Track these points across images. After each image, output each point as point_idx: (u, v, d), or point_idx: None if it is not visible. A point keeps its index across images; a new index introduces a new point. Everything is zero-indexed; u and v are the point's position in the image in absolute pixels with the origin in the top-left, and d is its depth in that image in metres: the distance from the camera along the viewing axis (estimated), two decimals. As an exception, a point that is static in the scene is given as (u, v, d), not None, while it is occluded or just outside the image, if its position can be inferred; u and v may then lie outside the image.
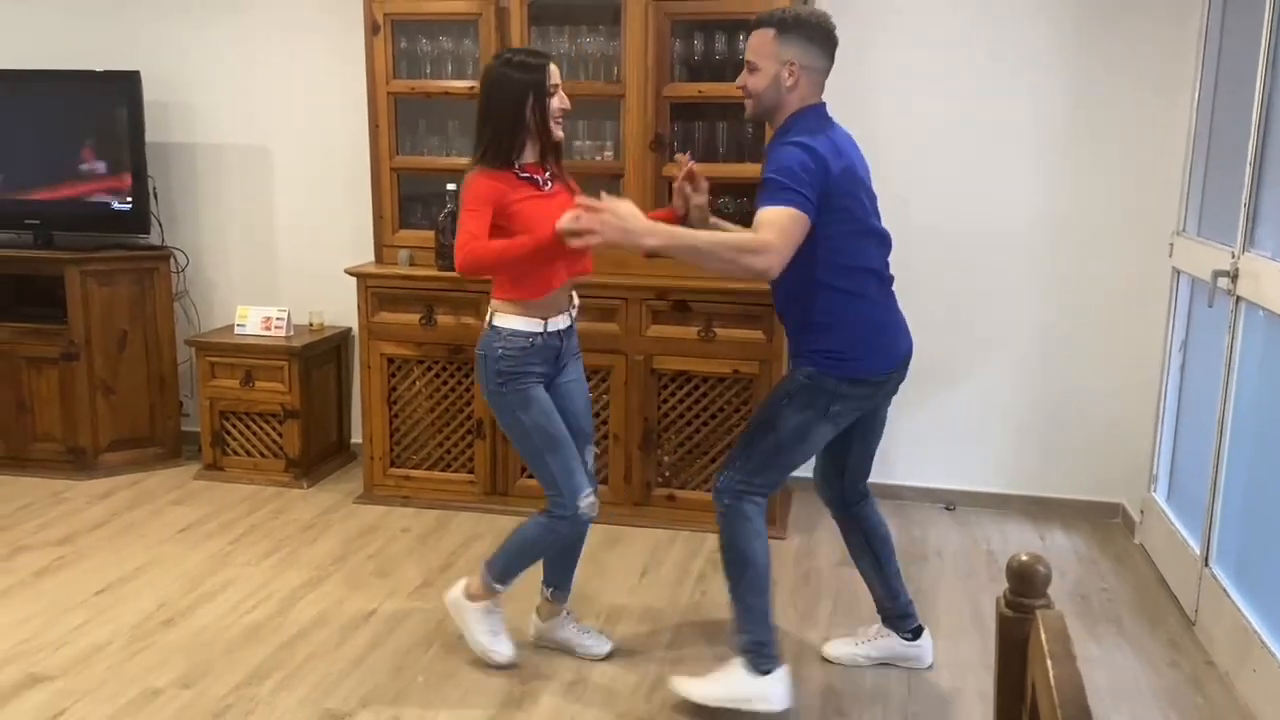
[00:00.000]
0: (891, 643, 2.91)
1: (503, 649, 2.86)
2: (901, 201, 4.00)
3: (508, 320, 2.67)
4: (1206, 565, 3.10)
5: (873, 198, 2.65)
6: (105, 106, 4.28)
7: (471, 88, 3.83)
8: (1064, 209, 3.90)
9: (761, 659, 2.60)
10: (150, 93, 4.33)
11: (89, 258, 4.25)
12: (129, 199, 4.32)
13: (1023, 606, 0.92)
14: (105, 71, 4.27)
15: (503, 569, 2.82)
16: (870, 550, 2.88)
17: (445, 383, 4.01)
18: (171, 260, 4.49)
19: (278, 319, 4.35)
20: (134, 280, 4.37)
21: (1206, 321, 3.37)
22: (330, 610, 3.20)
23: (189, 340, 4.41)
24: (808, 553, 3.70)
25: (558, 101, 2.68)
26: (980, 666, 2.94)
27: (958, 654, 3.01)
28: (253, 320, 4.37)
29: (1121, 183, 3.84)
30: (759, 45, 2.54)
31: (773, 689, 2.59)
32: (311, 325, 4.44)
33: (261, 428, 4.30)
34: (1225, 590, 2.95)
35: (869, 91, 3.95)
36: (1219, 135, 3.38)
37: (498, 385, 2.68)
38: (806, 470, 4.20)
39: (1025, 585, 0.93)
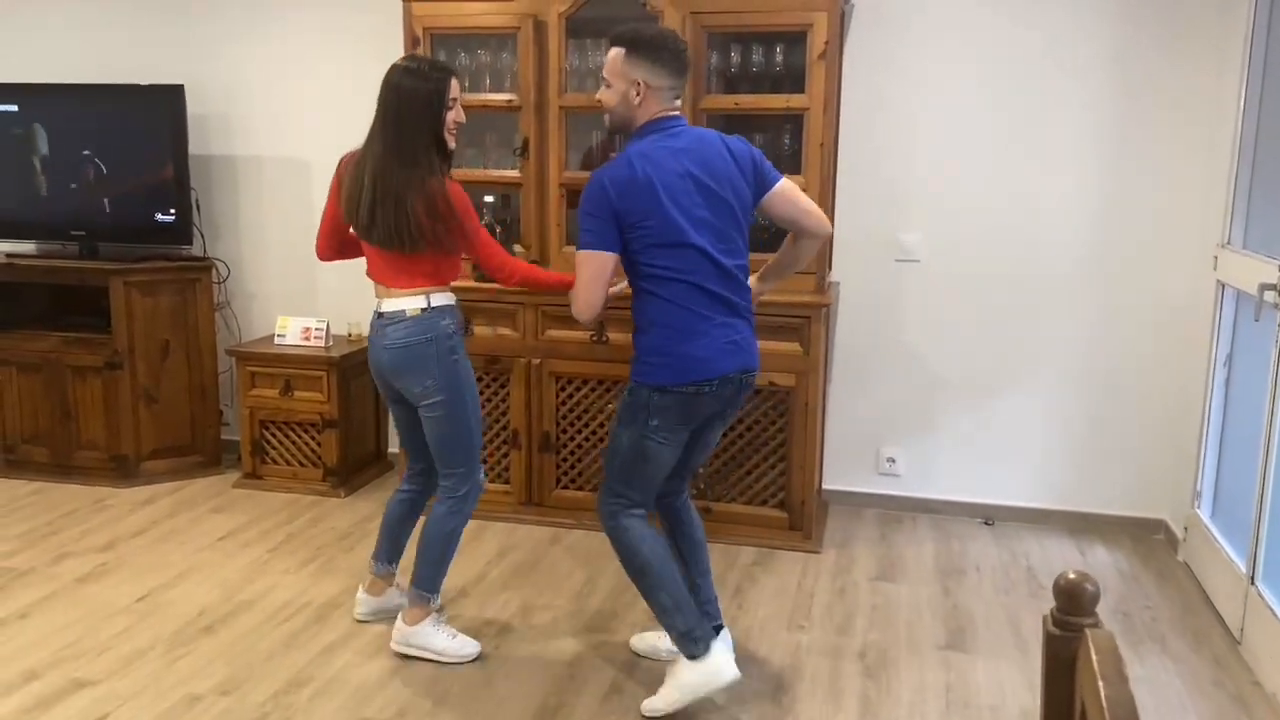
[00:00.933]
0: None
1: (470, 643, 2.99)
2: (940, 218, 3.99)
3: (443, 298, 2.89)
4: (1253, 584, 3.05)
5: (708, 206, 2.60)
6: (150, 119, 4.35)
7: (510, 101, 3.86)
8: (1107, 222, 3.86)
9: (693, 643, 2.67)
10: (193, 106, 4.40)
11: (133, 268, 4.32)
12: (172, 211, 4.39)
13: (1070, 625, 0.90)
14: (150, 85, 4.34)
15: (431, 577, 2.98)
16: (676, 545, 2.89)
17: (481, 393, 4.01)
18: (213, 271, 4.54)
19: (317, 329, 4.39)
20: (176, 291, 4.43)
21: (1252, 335, 3.31)
22: (366, 620, 3.21)
23: (230, 350, 4.47)
24: (845, 567, 3.67)
25: (454, 115, 2.85)
26: (1021, 684, 2.90)
27: (998, 671, 2.97)
28: (292, 330, 4.42)
29: (1165, 195, 3.79)
30: (611, 64, 2.66)
31: (717, 664, 2.67)
32: (350, 336, 4.48)
33: (300, 437, 4.34)
34: (1272, 609, 2.89)
35: (913, 109, 3.94)
36: (1264, 146, 3.33)
37: (453, 359, 2.88)
38: (846, 485, 4.20)
39: (1073, 603, 0.92)
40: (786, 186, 2.76)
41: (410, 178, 2.76)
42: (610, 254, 2.59)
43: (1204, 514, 3.62)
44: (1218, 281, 3.56)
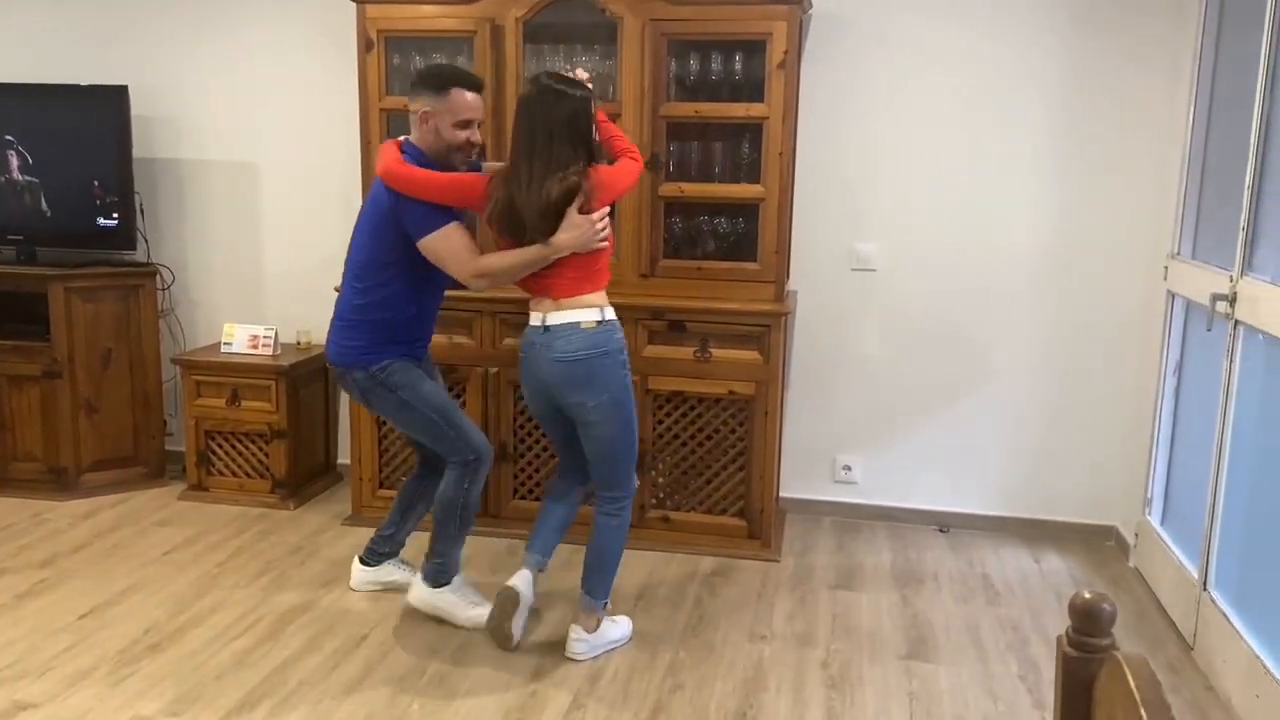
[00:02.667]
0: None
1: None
2: (896, 228, 4.01)
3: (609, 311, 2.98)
4: (1205, 589, 3.10)
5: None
6: (92, 121, 4.22)
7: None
8: (1059, 233, 3.91)
9: (443, 573, 3.19)
10: (137, 108, 4.28)
11: (73, 274, 4.18)
12: (115, 215, 4.26)
13: (1088, 646, 0.89)
14: (92, 86, 4.22)
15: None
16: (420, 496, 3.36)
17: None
18: (157, 277, 4.42)
19: (265, 337, 4.29)
20: (119, 297, 4.30)
21: (1201, 345, 3.37)
22: (322, 635, 3.13)
23: (174, 358, 4.35)
24: (804, 576, 3.67)
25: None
26: (982, 692, 2.91)
27: (960, 680, 2.98)
28: (239, 339, 4.31)
29: (1116, 206, 3.85)
30: (479, 106, 3.05)
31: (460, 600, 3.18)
32: (299, 344, 4.38)
33: (248, 448, 4.24)
34: (1225, 615, 2.94)
35: (870, 119, 3.96)
36: (1213, 159, 3.39)
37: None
38: (803, 493, 4.20)
39: (1090, 624, 0.90)
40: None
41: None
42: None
43: (1154, 520, 3.68)
44: (1168, 291, 3.62)
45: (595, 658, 3.02)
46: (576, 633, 3.02)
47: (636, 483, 3.10)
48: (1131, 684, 0.73)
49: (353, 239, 3.13)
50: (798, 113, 3.80)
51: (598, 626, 3.05)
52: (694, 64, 3.77)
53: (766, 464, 3.75)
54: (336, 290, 3.21)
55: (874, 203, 4.02)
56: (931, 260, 4.00)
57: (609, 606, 3.10)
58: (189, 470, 4.29)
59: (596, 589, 3.03)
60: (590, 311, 2.88)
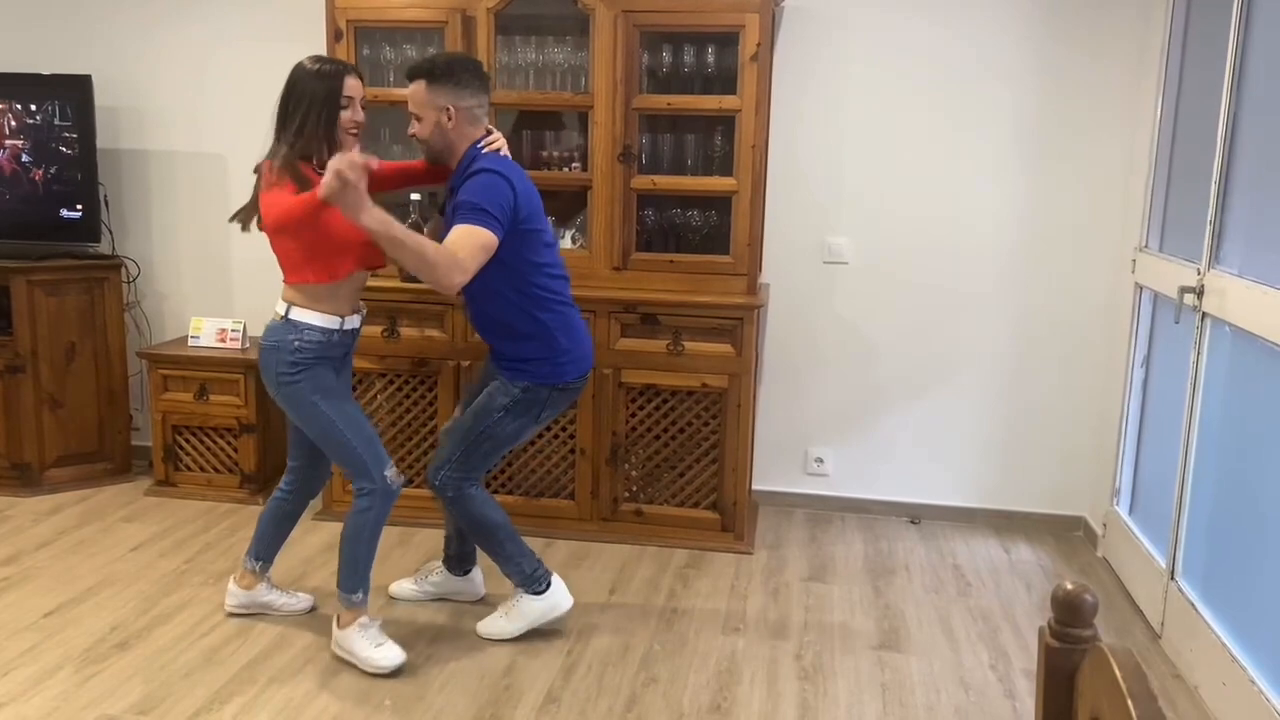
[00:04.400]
0: (447, 580, 3.30)
1: (391, 653, 2.89)
2: (866, 221, 4.03)
3: (304, 315, 2.82)
4: (1173, 579, 3.13)
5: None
6: (55, 111, 4.14)
7: (437, 97, 3.77)
8: (1028, 226, 3.93)
9: (537, 581, 3.06)
10: (102, 98, 4.21)
11: (36, 267, 4.11)
12: (79, 207, 4.19)
13: (1070, 638, 0.90)
14: (54, 75, 4.14)
15: (350, 580, 2.91)
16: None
17: (408, 396, 3.93)
18: (122, 270, 4.36)
19: (233, 331, 4.24)
20: (83, 290, 4.23)
21: (1169, 337, 3.41)
22: (292, 632, 3.10)
23: (140, 352, 4.29)
24: (777, 569, 3.68)
25: (351, 114, 2.81)
26: (954, 682, 2.93)
27: (932, 670, 3.00)
28: (207, 332, 4.26)
29: (1085, 199, 3.88)
30: (416, 97, 2.86)
31: (557, 598, 3.09)
32: (268, 337, 4.32)
33: (216, 442, 4.19)
34: (1193, 604, 2.98)
35: (842, 112, 3.96)
36: (1180, 152, 3.43)
37: (287, 375, 2.80)
38: (774, 485, 4.21)
39: (1072, 615, 0.91)
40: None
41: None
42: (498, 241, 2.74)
43: (1122, 511, 3.72)
44: (1136, 284, 3.65)
45: (345, 669, 2.90)
46: (333, 633, 2.97)
47: (390, 482, 2.87)
48: (1117, 675, 0.73)
49: (543, 235, 2.96)
50: (770, 106, 3.80)
51: (343, 623, 2.92)
52: (666, 56, 3.75)
53: (739, 457, 3.75)
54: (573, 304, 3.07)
55: (845, 196, 4.03)
56: (902, 253, 4.01)
57: (361, 599, 2.91)
58: (156, 466, 4.23)
59: (341, 581, 2.92)
60: (281, 305, 2.85)
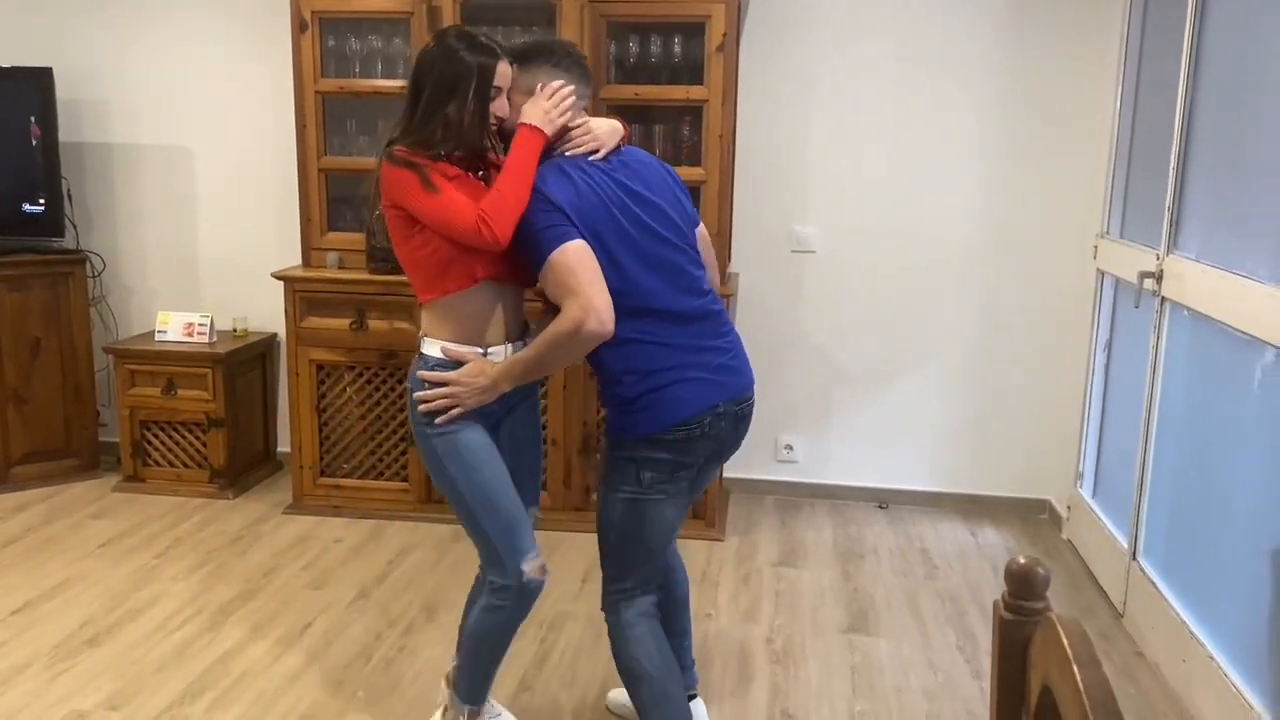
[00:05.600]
0: None
1: None
2: (833, 210, 4.06)
3: (434, 347, 2.24)
4: (1134, 559, 3.19)
5: (660, 217, 2.22)
6: (15, 104, 4.09)
7: (404, 88, 3.76)
8: (990, 213, 3.98)
9: None
10: (64, 91, 4.17)
11: (-2, 262, 4.08)
12: (41, 201, 4.15)
13: (1023, 610, 0.92)
14: (14, 68, 4.09)
15: (468, 686, 2.39)
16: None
17: (377, 389, 3.93)
18: (87, 264, 4.32)
19: (200, 325, 4.21)
20: (47, 285, 4.19)
21: (1130, 322, 3.46)
22: (264, 625, 3.10)
23: (107, 347, 4.25)
24: (748, 554, 3.71)
25: (497, 107, 2.19)
26: (922, 663, 2.98)
27: (900, 652, 3.04)
28: (174, 326, 4.23)
29: (1046, 187, 3.93)
30: (503, 77, 2.19)
31: None
32: (236, 331, 4.31)
33: (184, 437, 4.17)
34: (1154, 583, 3.04)
35: (808, 102, 3.99)
36: (1140, 140, 3.48)
37: (422, 425, 2.24)
38: (745, 473, 4.24)
39: (1025, 588, 0.93)
40: (704, 230, 2.42)
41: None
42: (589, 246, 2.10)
43: (1086, 493, 3.78)
44: (1098, 270, 3.71)
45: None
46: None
47: (525, 575, 2.24)
48: (1065, 642, 0.76)
49: (669, 230, 2.22)
50: (737, 96, 3.81)
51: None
52: (633, 46, 3.77)
53: (710, 445, 3.78)
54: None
55: (813, 186, 4.06)
56: (869, 242, 4.05)
57: (475, 713, 2.43)
58: (124, 461, 4.20)
59: (457, 679, 2.43)
60: (423, 341, 2.28)
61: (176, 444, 4.18)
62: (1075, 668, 0.72)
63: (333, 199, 3.96)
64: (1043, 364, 4.04)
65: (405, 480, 3.94)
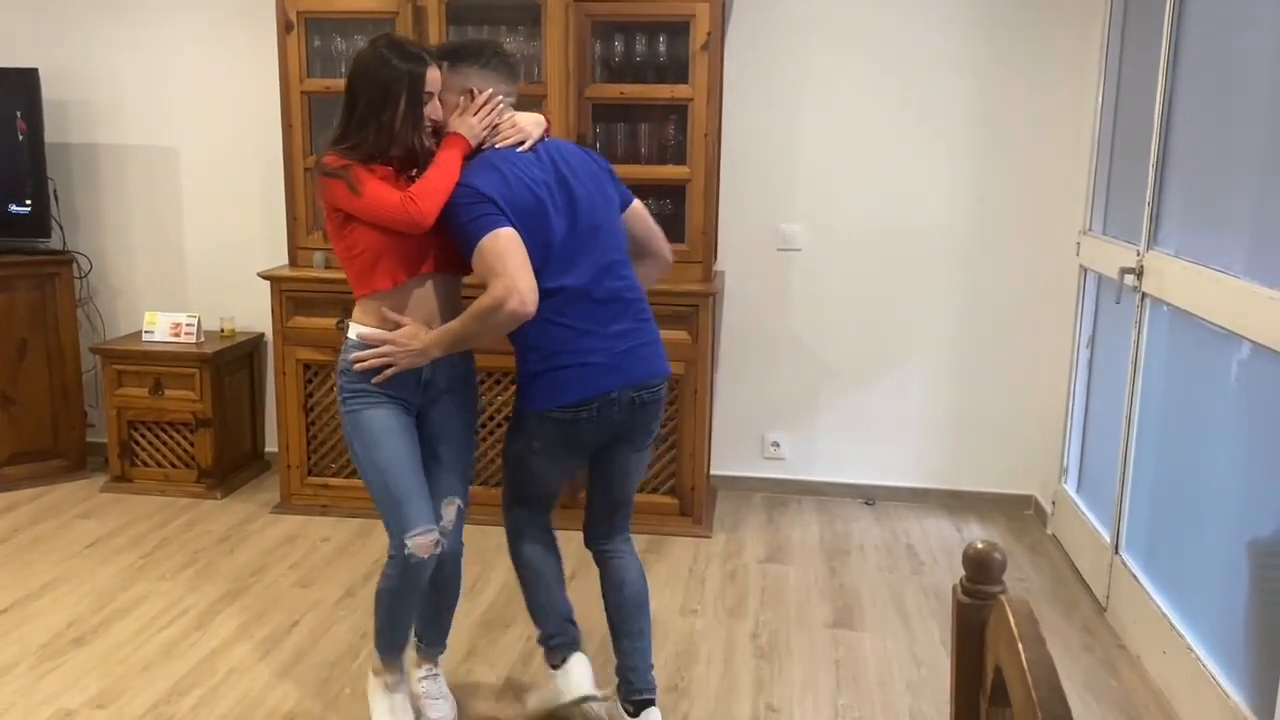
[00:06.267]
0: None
1: None
2: (819, 208, 4.08)
3: (359, 327, 2.36)
4: (1117, 553, 3.22)
5: (584, 202, 2.36)
6: (1, 105, 4.09)
7: (389, 88, 3.77)
8: (973, 210, 4.01)
9: (550, 651, 2.60)
10: (50, 91, 4.17)
11: (-16, 263, 4.07)
12: (28, 202, 4.15)
13: (980, 594, 0.94)
14: (0, 69, 4.09)
15: (376, 638, 2.51)
16: (607, 601, 2.59)
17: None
18: (74, 265, 4.32)
19: (187, 325, 4.22)
20: (34, 286, 4.19)
21: (1112, 318, 3.49)
22: (251, 623, 3.11)
23: (94, 348, 4.25)
24: (734, 551, 3.73)
25: (430, 110, 2.31)
26: (906, 658, 3.00)
27: (884, 647, 3.06)
28: (161, 326, 4.24)
29: (1030, 184, 3.96)
30: (433, 80, 2.30)
31: (569, 678, 2.55)
32: (223, 331, 4.31)
33: (172, 437, 4.17)
34: (1135, 577, 3.06)
35: (792, 101, 4.01)
36: (1122, 137, 3.51)
37: (341, 400, 2.38)
38: (732, 470, 4.26)
39: (982, 572, 0.95)
40: (640, 206, 2.55)
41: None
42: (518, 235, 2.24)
43: (1070, 489, 3.80)
44: (1080, 266, 3.73)
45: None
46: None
47: (409, 549, 2.32)
48: (1011, 623, 0.78)
49: (595, 216, 2.37)
50: (722, 94, 3.84)
51: (374, 667, 2.54)
52: (619, 45, 3.78)
53: (696, 442, 3.80)
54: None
55: (798, 184, 4.08)
56: (854, 240, 4.07)
57: (390, 665, 2.52)
58: (111, 462, 4.21)
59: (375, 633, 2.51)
60: (352, 324, 2.40)
61: (164, 444, 4.18)
62: (1020, 645, 0.73)
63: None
64: (1027, 360, 4.06)
65: (393, 479, 3.94)
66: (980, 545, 0.98)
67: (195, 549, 3.64)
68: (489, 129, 2.35)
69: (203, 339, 4.22)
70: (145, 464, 4.20)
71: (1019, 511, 4.14)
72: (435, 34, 3.69)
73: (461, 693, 2.75)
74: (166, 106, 4.33)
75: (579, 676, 2.55)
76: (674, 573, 3.53)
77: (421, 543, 2.33)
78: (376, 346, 2.32)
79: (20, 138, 4.10)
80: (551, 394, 2.34)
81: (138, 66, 4.30)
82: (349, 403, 2.36)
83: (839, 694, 2.81)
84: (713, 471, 4.22)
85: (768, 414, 4.24)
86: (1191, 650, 2.66)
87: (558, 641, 2.58)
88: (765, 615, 3.24)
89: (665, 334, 3.67)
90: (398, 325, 2.33)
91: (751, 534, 3.89)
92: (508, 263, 2.20)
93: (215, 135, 4.33)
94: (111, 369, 4.14)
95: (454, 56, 2.36)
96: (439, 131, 2.35)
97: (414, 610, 2.48)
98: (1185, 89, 2.93)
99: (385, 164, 2.31)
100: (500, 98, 2.35)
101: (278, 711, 2.66)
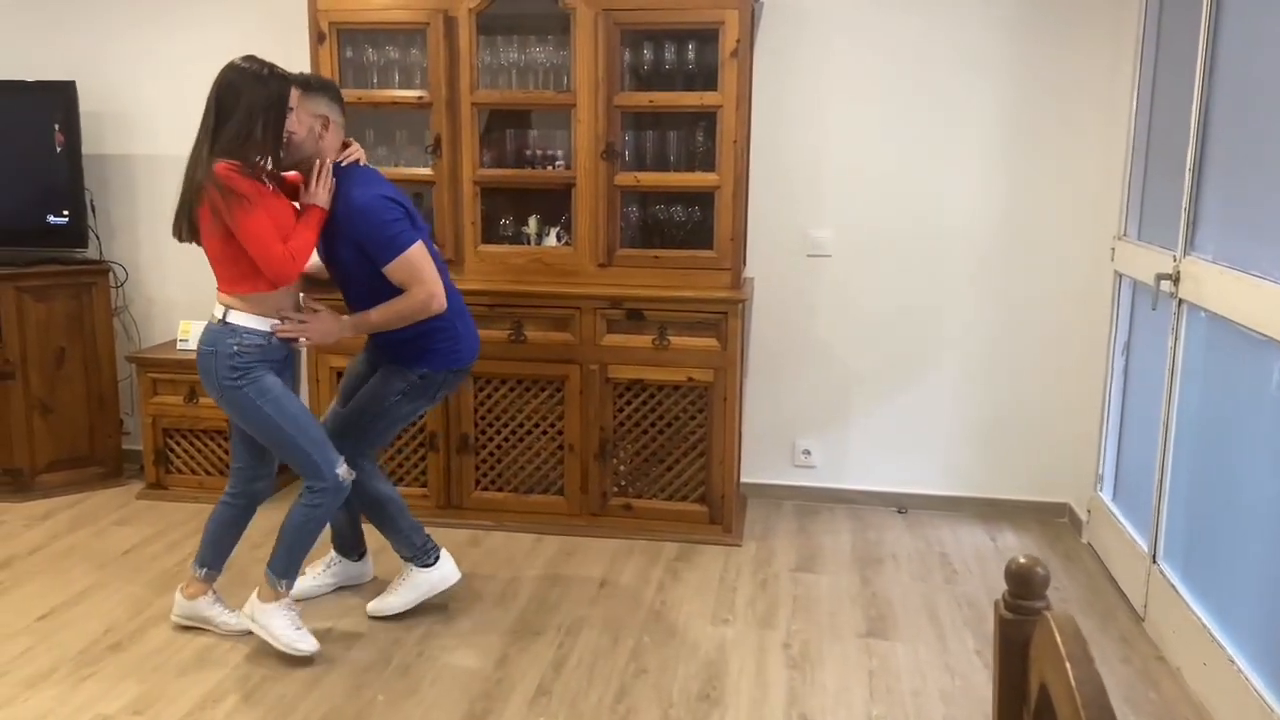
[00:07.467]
0: (345, 567, 3.39)
1: (309, 640, 2.95)
2: (848, 214, 4.06)
3: (242, 319, 2.83)
4: (1155, 562, 3.17)
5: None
6: (39, 117, 4.16)
7: (420, 97, 3.80)
8: (1008, 216, 3.97)
9: (426, 554, 3.19)
10: (86, 103, 4.23)
11: (23, 273, 4.13)
12: (65, 213, 4.21)
13: (1023, 609, 0.93)
14: (38, 82, 4.16)
15: (283, 565, 2.96)
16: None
17: (397, 396, 3.95)
18: (110, 275, 4.37)
19: (222, 333, 4.25)
20: (71, 296, 4.25)
21: (1148, 324, 3.45)
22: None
23: (129, 356, 4.30)
24: (765, 559, 3.71)
25: (291, 123, 2.81)
26: (940, 668, 2.97)
27: (918, 657, 3.04)
28: (195, 335, 4.26)
29: (1064, 189, 3.92)
30: (296, 95, 2.85)
31: (446, 570, 3.23)
32: (257, 339, 4.34)
33: (206, 444, 4.21)
34: (1174, 586, 3.02)
35: (822, 107, 4.00)
36: (1157, 141, 3.47)
37: (230, 380, 2.81)
38: (762, 478, 4.24)
39: (1024, 588, 0.94)
40: None
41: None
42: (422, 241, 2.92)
43: (1106, 497, 3.76)
44: (1115, 272, 3.69)
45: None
46: (251, 602, 3.00)
47: (340, 478, 2.92)
48: (1059, 640, 0.76)
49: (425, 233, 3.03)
50: (751, 101, 3.83)
51: (264, 598, 2.97)
52: (647, 54, 3.78)
53: (726, 450, 3.79)
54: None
55: (827, 189, 4.07)
56: (884, 245, 4.05)
57: (289, 585, 2.99)
58: (147, 469, 4.25)
59: (275, 562, 2.97)
60: (219, 309, 2.86)
61: (199, 451, 4.22)
62: (1067, 664, 0.72)
63: (351, 208, 3.98)
64: (1061, 367, 4.02)
65: (424, 485, 3.97)
66: (1023, 560, 0.96)
67: (230, 556, 3.66)
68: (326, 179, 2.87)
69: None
70: (180, 471, 4.24)
71: (1053, 520, 4.10)
72: (466, 44, 3.71)
73: (493, 700, 2.76)
74: (199, 118, 4.35)
75: (452, 563, 3.26)
76: (704, 581, 3.52)
77: (345, 469, 2.94)
78: (258, 337, 2.84)
79: (58, 149, 4.17)
80: (469, 349, 3.12)
81: (172, 78, 4.35)
82: (241, 379, 2.81)
83: (872, 704, 2.79)
84: (743, 479, 4.21)
85: (798, 421, 4.23)
86: (1233, 662, 2.61)
87: (431, 544, 3.22)
88: (797, 624, 3.23)
89: (694, 341, 3.72)
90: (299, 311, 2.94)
91: (782, 542, 3.87)
92: (425, 271, 2.88)
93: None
94: (147, 377, 4.18)
95: (307, 86, 2.86)
96: (291, 145, 2.82)
97: (318, 536, 3.01)
98: (1223, 89, 2.89)
99: (260, 178, 2.76)
100: (354, 145, 3.00)
101: (311, 716, 2.67)
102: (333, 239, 2.91)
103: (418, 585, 3.20)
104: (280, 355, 2.93)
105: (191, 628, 3.12)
